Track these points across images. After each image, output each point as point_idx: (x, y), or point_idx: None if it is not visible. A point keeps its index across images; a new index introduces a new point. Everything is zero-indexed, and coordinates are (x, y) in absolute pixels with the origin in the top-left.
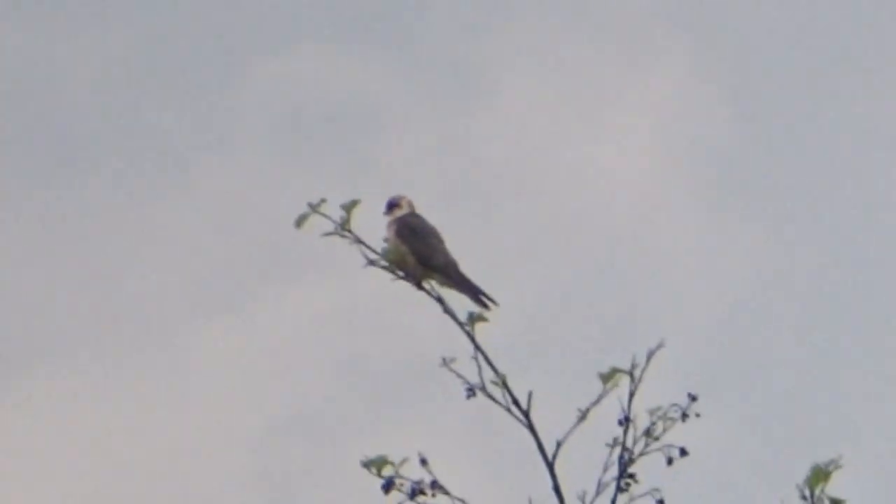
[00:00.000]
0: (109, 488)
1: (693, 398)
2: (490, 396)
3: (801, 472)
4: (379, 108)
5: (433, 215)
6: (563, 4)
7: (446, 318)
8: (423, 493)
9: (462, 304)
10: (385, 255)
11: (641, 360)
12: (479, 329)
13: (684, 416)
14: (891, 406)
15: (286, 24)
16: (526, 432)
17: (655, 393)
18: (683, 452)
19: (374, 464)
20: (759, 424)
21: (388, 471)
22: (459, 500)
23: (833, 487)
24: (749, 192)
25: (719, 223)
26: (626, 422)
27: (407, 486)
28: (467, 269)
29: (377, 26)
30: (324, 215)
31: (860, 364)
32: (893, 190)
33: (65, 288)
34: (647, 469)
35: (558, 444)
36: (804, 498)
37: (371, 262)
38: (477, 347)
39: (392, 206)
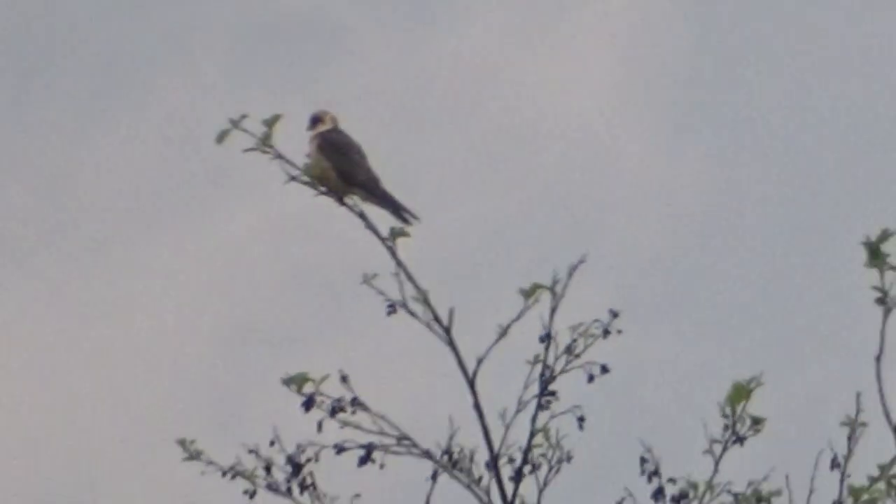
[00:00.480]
0: (54, 402)
1: (615, 314)
2: (411, 313)
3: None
4: (334, 23)
5: (367, 131)
6: None
7: (368, 233)
8: (343, 410)
9: (385, 219)
10: (307, 170)
11: (563, 275)
12: (402, 245)
13: (606, 332)
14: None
15: None
16: (447, 349)
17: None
18: (605, 370)
19: (295, 381)
20: (689, 342)
21: (308, 388)
22: (380, 416)
23: (754, 406)
24: (703, 113)
25: (669, 144)
26: (547, 339)
27: (327, 404)
28: (397, 185)
29: None
30: (245, 131)
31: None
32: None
33: (13, 198)
34: (569, 386)
35: (479, 361)
36: (725, 416)
37: (293, 178)
38: (398, 263)
39: (315, 121)
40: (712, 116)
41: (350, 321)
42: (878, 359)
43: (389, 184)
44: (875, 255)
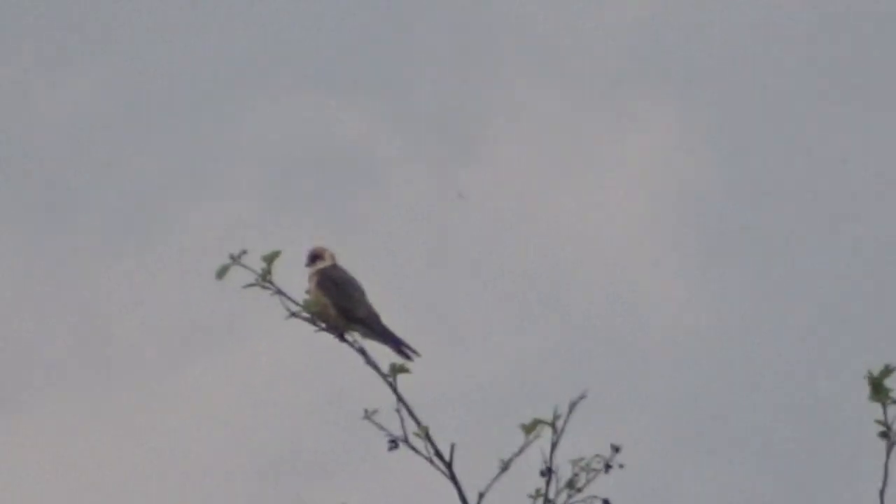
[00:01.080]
0: None
1: (616, 449)
2: (413, 448)
3: None
4: (368, 156)
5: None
6: (546, 60)
7: (368, 369)
8: None
9: (385, 355)
10: (307, 306)
11: (564, 410)
12: (402, 380)
13: (607, 467)
14: None
15: (281, 70)
16: (449, 483)
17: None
18: None
19: None
20: (693, 478)
21: None
22: None
23: None
24: (726, 247)
25: (689, 278)
26: (548, 473)
27: None
28: (397, 321)
29: (367, 76)
30: (245, 266)
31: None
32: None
33: (50, 327)
34: None
35: (480, 496)
36: None
37: (293, 314)
38: (399, 399)
39: (314, 257)
40: (733, 252)
41: (351, 456)
42: (881, 493)
43: (390, 319)
44: (878, 389)
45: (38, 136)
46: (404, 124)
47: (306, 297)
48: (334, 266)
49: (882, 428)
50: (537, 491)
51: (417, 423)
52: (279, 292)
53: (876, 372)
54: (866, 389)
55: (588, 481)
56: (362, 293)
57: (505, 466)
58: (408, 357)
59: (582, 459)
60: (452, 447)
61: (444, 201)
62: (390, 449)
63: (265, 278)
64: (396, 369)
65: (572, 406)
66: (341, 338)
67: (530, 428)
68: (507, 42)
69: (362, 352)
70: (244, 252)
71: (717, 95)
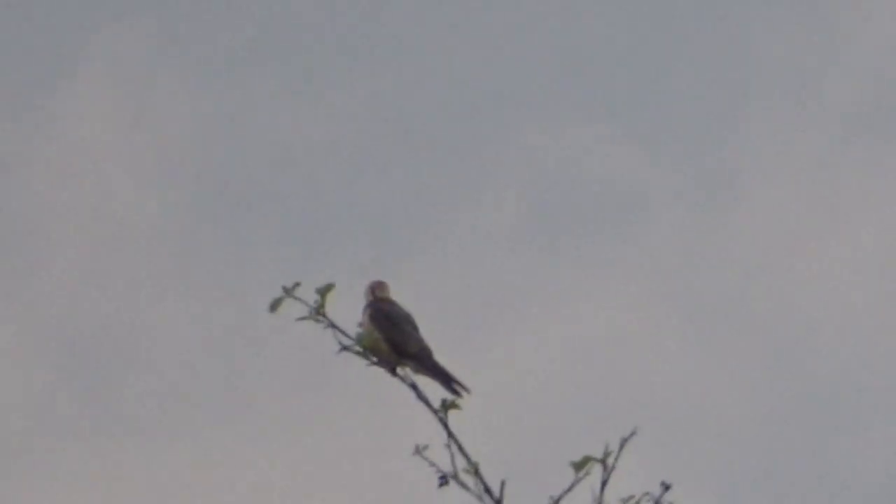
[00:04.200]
0: None
1: (667, 487)
2: (463, 485)
3: None
4: (623, 192)
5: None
6: (804, 96)
7: (419, 404)
8: None
9: (437, 391)
10: (359, 340)
11: (615, 447)
12: (453, 416)
13: None
14: None
15: (550, 98)
16: None
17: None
18: None
19: None
20: None
21: None
22: None
23: None
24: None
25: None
26: None
27: None
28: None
29: (628, 111)
30: (298, 299)
31: None
32: None
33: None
34: None
35: None
36: None
37: (345, 348)
38: (450, 434)
39: (370, 291)
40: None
41: (400, 492)
42: None
43: (441, 354)
44: None
45: (297, 157)
46: (662, 161)
47: (359, 330)
48: (388, 300)
49: None
50: None
51: (468, 459)
52: (332, 325)
53: None
54: None
55: None
56: (415, 328)
57: (555, 503)
58: (458, 393)
59: (632, 497)
60: (503, 484)
61: (697, 241)
62: (440, 485)
63: (319, 311)
64: (447, 405)
65: (623, 443)
66: (393, 372)
67: (580, 465)
68: (764, 79)
69: (413, 387)
70: (297, 285)
71: None
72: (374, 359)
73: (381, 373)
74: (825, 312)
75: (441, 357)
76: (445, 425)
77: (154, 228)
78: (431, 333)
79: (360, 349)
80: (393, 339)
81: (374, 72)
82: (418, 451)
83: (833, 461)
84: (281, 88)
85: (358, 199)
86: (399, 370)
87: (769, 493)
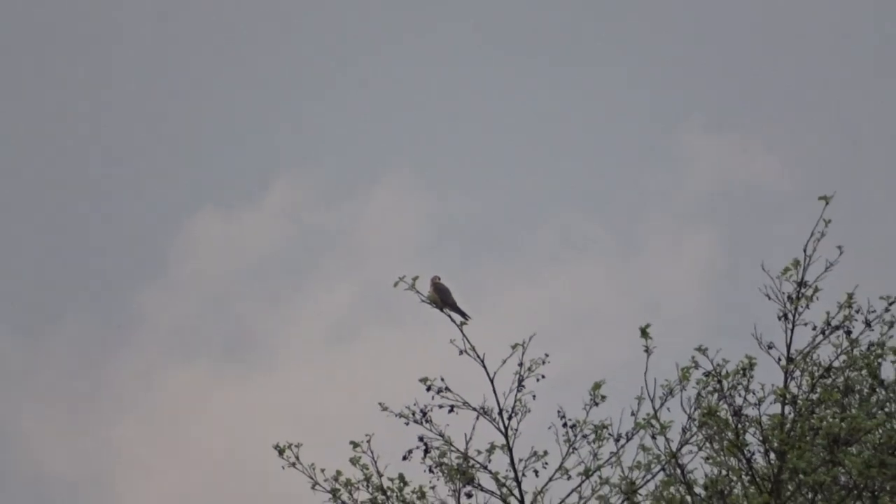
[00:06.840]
0: None
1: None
2: (468, 354)
3: None
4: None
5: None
6: None
7: (451, 323)
8: None
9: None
10: (429, 296)
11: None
12: (465, 329)
13: None
14: None
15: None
16: None
17: None
18: None
19: None
20: None
21: None
22: None
23: None
24: None
25: None
26: None
27: None
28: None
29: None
30: (404, 281)
31: None
32: None
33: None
34: None
35: None
36: None
37: (423, 300)
38: (463, 334)
39: (432, 279)
40: None
41: (446, 360)
42: None
43: (462, 304)
44: None
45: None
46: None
47: (428, 293)
48: (440, 282)
49: None
50: None
51: (467, 340)
52: (418, 293)
53: None
54: None
55: None
56: (450, 294)
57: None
58: (466, 318)
59: None
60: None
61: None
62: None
63: (413, 286)
64: (462, 323)
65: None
66: (440, 310)
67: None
68: None
69: (449, 316)
70: (416, 277)
71: None
72: (434, 305)
73: (436, 311)
74: None
75: (462, 304)
76: (461, 330)
77: None
78: (459, 294)
79: (429, 302)
80: (443, 298)
81: None
82: (452, 342)
83: None
84: None
85: None
86: (445, 310)
87: None
